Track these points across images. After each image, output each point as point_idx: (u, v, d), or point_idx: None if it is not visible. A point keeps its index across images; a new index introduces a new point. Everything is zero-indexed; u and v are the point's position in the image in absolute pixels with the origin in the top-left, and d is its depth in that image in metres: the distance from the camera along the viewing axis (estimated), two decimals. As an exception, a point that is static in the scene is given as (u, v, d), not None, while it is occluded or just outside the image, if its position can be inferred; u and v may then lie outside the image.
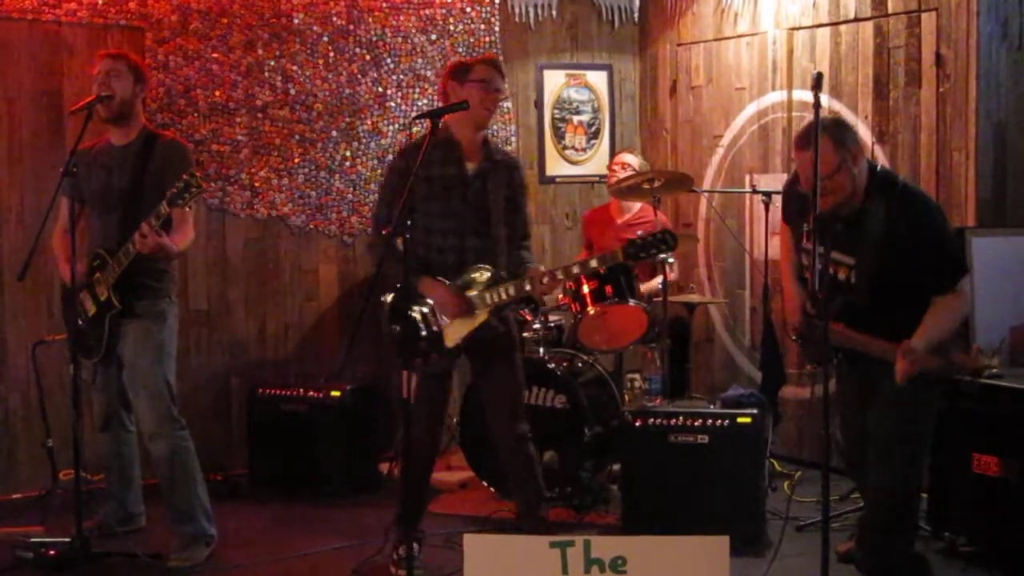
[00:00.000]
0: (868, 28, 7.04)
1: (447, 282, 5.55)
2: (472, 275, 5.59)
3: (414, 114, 7.92)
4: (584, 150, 8.77)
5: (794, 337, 5.47)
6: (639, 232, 5.61)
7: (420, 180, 5.47)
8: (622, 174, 7.48)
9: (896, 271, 4.94)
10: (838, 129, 5.05)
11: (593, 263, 5.73)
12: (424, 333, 5.48)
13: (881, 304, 4.99)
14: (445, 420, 5.98)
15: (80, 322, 5.83)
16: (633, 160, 7.68)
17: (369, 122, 7.91)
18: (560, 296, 7.21)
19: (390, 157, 7.62)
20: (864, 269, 5.03)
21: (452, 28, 8.16)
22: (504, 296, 5.54)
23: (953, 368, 4.97)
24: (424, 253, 5.60)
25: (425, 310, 5.51)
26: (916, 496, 5.23)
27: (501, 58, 8.23)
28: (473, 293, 5.56)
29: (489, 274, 5.59)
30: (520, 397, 5.96)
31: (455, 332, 5.57)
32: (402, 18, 8.00)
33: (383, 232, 5.36)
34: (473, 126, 5.68)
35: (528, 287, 5.54)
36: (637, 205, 7.61)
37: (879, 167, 5.22)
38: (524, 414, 5.92)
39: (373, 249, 5.93)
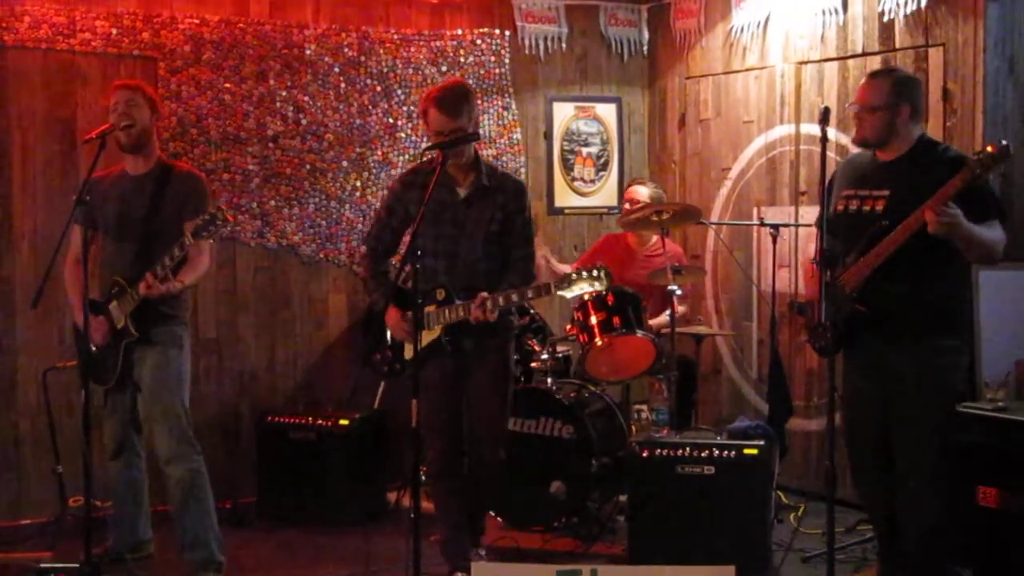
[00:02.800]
0: (876, 63, 7.06)
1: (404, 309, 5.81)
2: (435, 294, 5.79)
3: (424, 145, 7.95)
4: (593, 182, 8.81)
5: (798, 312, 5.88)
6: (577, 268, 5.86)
7: (415, 205, 5.70)
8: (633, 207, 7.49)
9: (925, 199, 5.10)
10: (906, 81, 5.51)
11: (529, 293, 5.83)
12: (390, 343, 5.99)
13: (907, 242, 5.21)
14: (462, 433, 6.03)
15: (93, 348, 5.87)
16: (644, 193, 7.66)
17: (379, 152, 7.96)
18: (568, 327, 7.23)
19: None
20: (898, 197, 5.29)
21: (462, 60, 8.22)
22: (453, 316, 5.74)
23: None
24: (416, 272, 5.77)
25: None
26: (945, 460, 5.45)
27: (511, 89, 8.33)
28: (430, 310, 5.77)
29: (446, 294, 5.79)
30: (503, 429, 6.11)
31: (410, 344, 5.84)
32: (413, 50, 8.06)
33: (385, 259, 6.07)
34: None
35: (473, 308, 5.66)
36: (655, 237, 7.62)
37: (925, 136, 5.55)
38: (501, 442, 6.09)
39: (363, 262, 6.16)
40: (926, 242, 5.11)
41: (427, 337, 5.76)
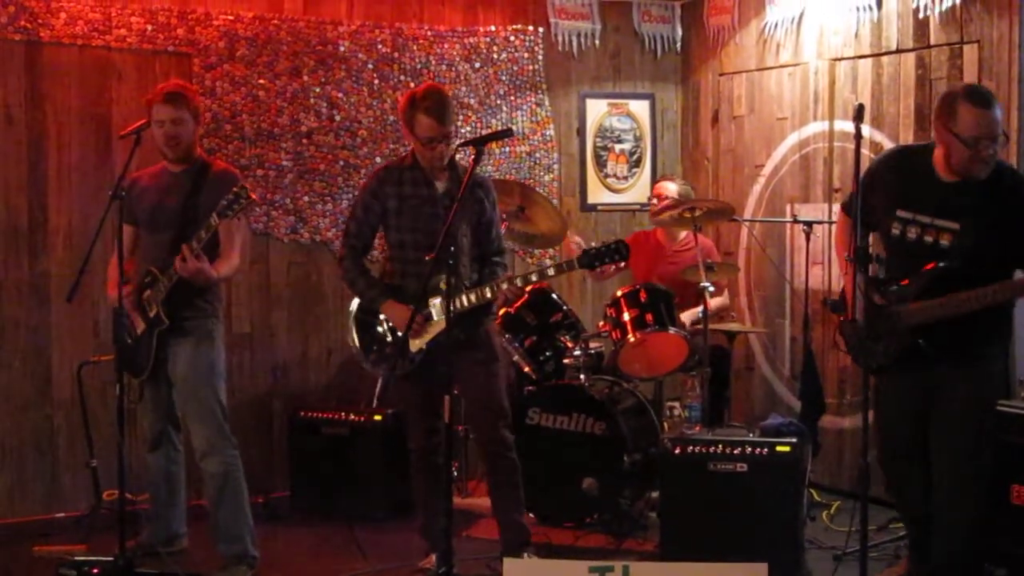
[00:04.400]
0: (910, 60, 7.04)
1: (403, 303, 5.79)
2: (437, 283, 5.69)
3: (457, 142, 7.96)
4: (626, 178, 8.81)
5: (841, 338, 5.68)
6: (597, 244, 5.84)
7: (393, 200, 5.85)
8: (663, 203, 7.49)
9: (1000, 235, 5.03)
10: None
11: (551, 271, 5.99)
12: (390, 340, 5.98)
13: (978, 271, 5.06)
14: (441, 425, 6.01)
15: (129, 339, 5.90)
16: (672, 188, 7.68)
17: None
18: (600, 323, 7.24)
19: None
20: (969, 238, 5.11)
21: (496, 57, 8.22)
22: (464, 303, 5.77)
23: None
24: (400, 267, 5.92)
25: (389, 324, 6.00)
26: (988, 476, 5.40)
27: (545, 86, 8.33)
28: (435, 300, 5.79)
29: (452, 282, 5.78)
30: (499, 404, 6.05)
31: (418, 339, 5.84)
32: (446, 46, 8.07)
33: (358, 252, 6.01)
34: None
35: (488, 293, 5.77)
36: (683, 232, 7.62)
37: None
38: (506, 422, 6.07)
39: (345, 262, 6.04)
40: (990, 270, 5.05)
41: (435, 328, 5.80)
